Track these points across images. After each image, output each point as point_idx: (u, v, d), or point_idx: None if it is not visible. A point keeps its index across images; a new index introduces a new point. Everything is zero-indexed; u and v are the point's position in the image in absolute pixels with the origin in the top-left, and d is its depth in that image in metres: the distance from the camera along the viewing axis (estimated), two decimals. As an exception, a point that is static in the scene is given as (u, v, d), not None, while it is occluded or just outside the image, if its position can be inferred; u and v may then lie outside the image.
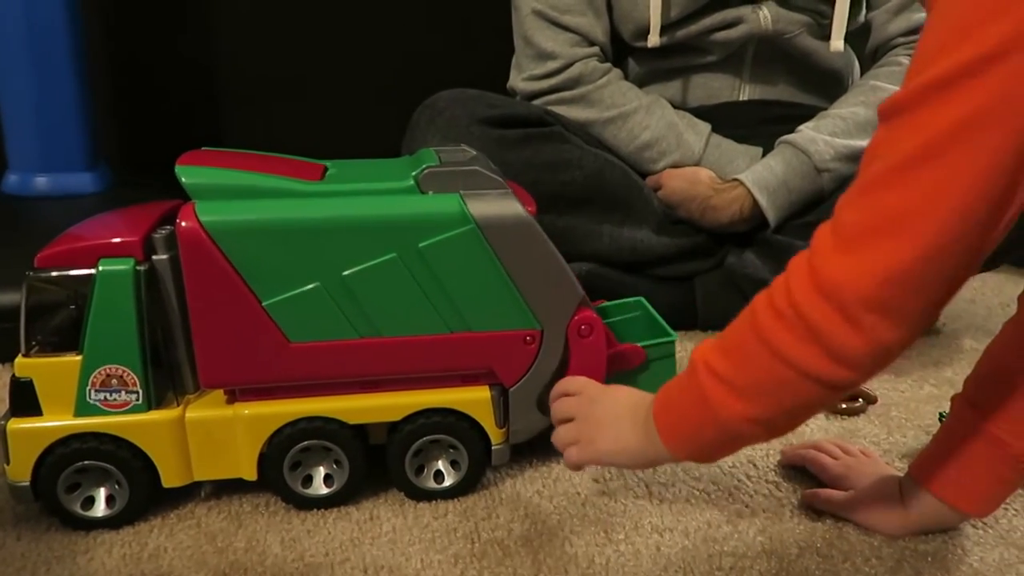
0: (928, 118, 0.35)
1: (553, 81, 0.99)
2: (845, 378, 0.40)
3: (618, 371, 0.67)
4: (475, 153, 0.70)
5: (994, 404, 0.53)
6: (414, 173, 0.61)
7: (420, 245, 0.59)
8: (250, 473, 0.61)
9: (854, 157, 0.91)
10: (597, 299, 0.75)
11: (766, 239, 0.94)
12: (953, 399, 0.56)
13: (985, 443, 0.53)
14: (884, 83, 0.94)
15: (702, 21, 0.98)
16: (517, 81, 1.02)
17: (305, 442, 0.60)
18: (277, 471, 0.60)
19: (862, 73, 1.04)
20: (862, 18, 1.01)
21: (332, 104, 1.41)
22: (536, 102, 1.01)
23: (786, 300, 0.40)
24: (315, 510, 0.61)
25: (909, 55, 0.96)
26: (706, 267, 0.97)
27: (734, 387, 0.43)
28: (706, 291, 0.96)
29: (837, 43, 0.94)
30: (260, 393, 0.60)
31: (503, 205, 0.61)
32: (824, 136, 0.92)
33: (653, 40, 0.97)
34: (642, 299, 0.77)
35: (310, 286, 0.58)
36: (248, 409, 0.60)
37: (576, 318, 0.63)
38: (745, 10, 0.97)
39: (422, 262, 0.59)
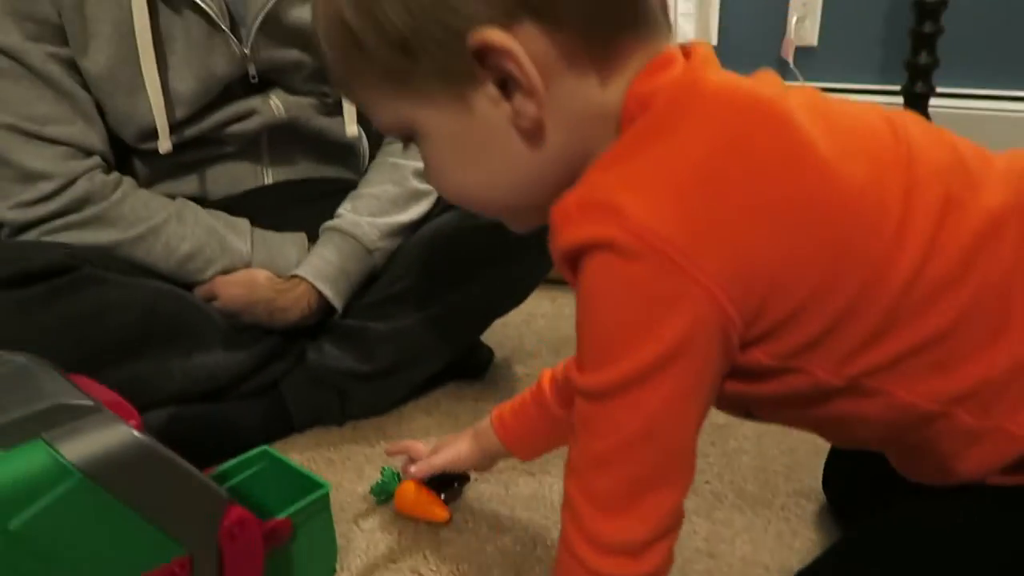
0: (645, 397, 0.42)
1: (53, 206, 0.84)
2: None
3: (273, 547, 0.63)
4: (21, 359, 0.57)
5: (563, 382, 0.67)
6: (-39, 430, 0.47)
7: (13, 526, 0.46)
8: None
9: (396, 232, 0.97)
10: (186, 446, 0.67)
11: (338, 325, 0.95)
12: (543, 372, 0.70)
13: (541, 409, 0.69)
14: (401, 159, 1.01)
15: (213, 116, 0.92)
16: (1, 211, 0.84)
17: None
18: None
19: (370, 139, 1.11)
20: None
21: None
22: (31, 233, 0.85)
23: (583, 569, 0.45)
24: None
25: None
26: (288, 367, 0.94)
27: None
28: (295, 393, 0.94)
29: (351, 128, 0.98)
30: None
31: (104, 435, 0.51)
32: (366, 218, 0.96)
33: (164, 146, 0.88)
34: (266, 448, 0.72)
35: None
36: None
37: (225, 524, 0.56)
38: (256, 101, 0.95)
39: (23, 545, 0.46)
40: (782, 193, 0.42)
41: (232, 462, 0.71)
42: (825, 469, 0.77)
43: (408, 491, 0.76)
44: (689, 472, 0.46)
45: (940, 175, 0.45)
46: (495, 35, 0.40)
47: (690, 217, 0.41)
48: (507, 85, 0.43)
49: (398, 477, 0.79)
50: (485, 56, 0.41)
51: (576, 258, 0.43)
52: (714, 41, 2.04)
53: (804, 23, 1.91)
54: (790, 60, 1.91)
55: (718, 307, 0.41)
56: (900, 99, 1.70)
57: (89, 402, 0.52)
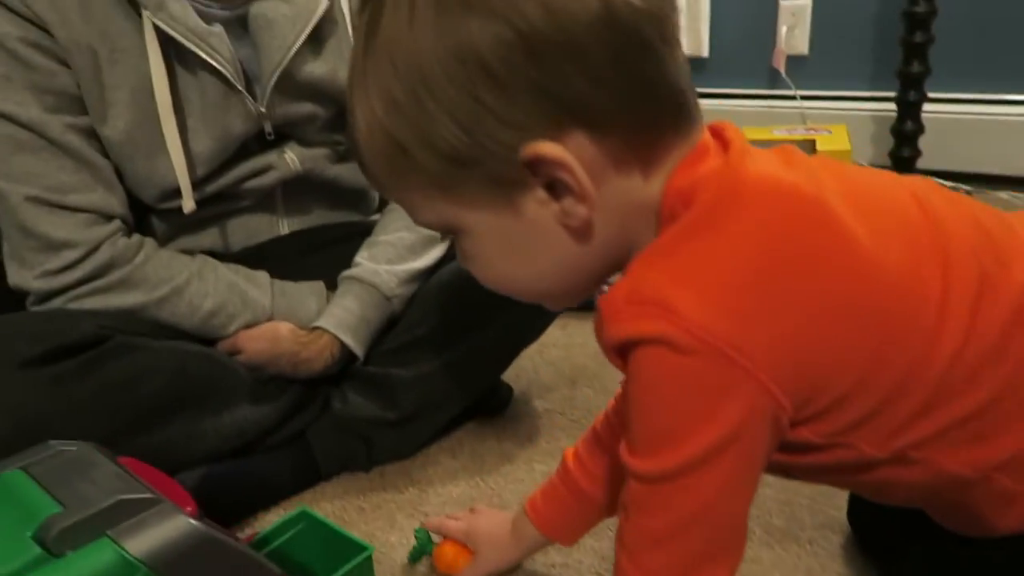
0: (699, 481, 0.44)
1: (78, 273, 0.85)
2: None
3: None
4: (71, 448, 0.58)
5: (587, 458, 0.68)
6: (29, 534, 0.48)
7: (86, 628, 0.47)
8: None
9: (413, 278, 0.99)
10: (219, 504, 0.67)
11: (360, 372, 0.96)
12: (565, 451, 0.70)
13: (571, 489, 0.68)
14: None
15: (230, 174, 0.93)
16: (26, 280, 0.85)
17: None
18: None
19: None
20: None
21: None
22: (57, 300, 0.85)
23: None
24: None
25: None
26: (313, 417, 0.96)
27: None
28: (321, 442, 0.95)
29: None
30: None
31: (165, 527, 0.52)
32: (383, 266, 0.97)
33: (188, 206, 0.89)
34: (305, 508, 0.73)
35: None
36: None
37: (282, 601, 0.58)
38: (272, 157, 0.96)
39: (97, 647, 0.48)
40: (827, 286, 0.43)
41: (272, 525, 0.72)
42: (850, 500, 0.79)
43: (448, 553, 0.77)
44: (740, 546, 0.48)
45: (973, 252, 0.47)
46: (548, 148, 0.42)
47: (739, 312, 0.42)
48: (555, 187, 0.44)
49: (431, 537, 0.80)
50: (537, 166, 0.43)
51: (626, 350, 0.44)
52: (705, 52, 2.06)
53: (794, 32, 1.93)
54: (781, 69, 1.94)
55: (770, 396, 0.43)
56: (893, 106, 1.73)
57: (147, 493, 0.53)
